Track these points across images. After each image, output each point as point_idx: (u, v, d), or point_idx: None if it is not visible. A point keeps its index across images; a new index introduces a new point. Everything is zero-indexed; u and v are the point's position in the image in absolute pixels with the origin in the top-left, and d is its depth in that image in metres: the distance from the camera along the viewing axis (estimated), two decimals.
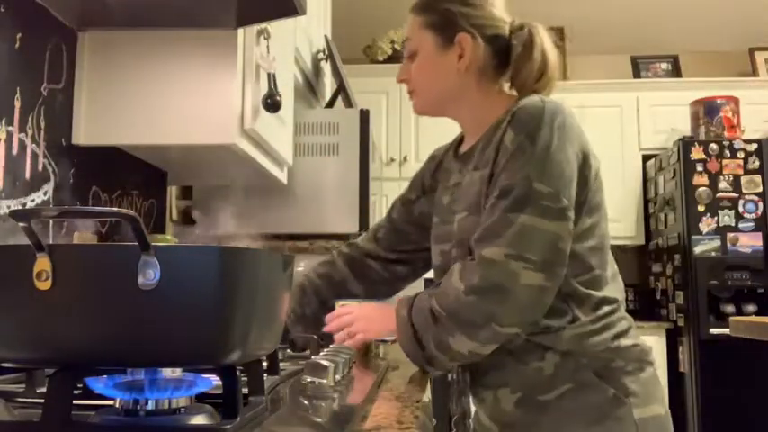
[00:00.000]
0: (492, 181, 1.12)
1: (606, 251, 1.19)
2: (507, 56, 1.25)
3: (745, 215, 3.76)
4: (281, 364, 1.05)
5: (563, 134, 1.10)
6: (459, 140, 1.39)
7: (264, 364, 0.95)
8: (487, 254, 1.05)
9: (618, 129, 4.29)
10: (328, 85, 2.86)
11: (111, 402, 0.69)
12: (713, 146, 3.82)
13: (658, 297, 4.16)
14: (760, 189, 3.78)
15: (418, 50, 1.29)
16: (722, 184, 3.80)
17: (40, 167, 1.39)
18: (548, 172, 1.07)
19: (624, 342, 1.14)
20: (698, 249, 3.74)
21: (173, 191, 2.21)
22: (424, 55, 1.28)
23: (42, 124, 1.40)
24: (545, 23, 1.28)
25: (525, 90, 1.23)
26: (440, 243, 1.28)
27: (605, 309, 1.14)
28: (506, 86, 1.28)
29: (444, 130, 4.37)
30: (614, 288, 1.19)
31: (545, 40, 1.24)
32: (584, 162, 1.14)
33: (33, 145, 1.37)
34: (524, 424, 1.14)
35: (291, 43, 2.11)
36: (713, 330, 3.64)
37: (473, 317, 1.05)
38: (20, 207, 1.30)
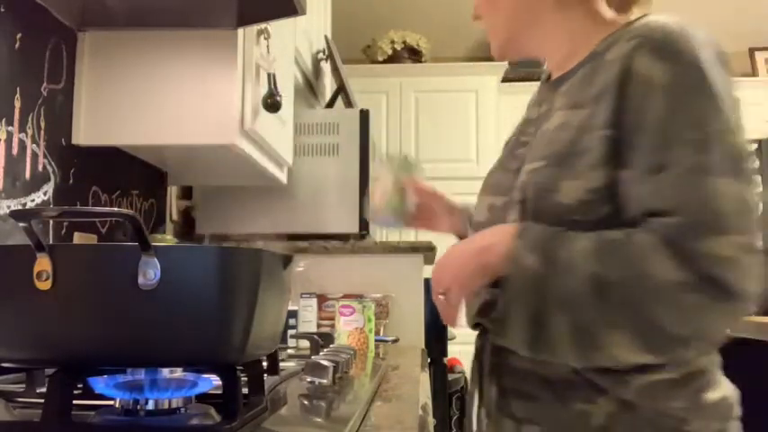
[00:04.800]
0: (639, 129, 0.79)
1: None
2: None
3: None
4: (281, 364, 1.05)
5: (725, 68, 0.82)
6: (548, 77, 1.05)
7: (264, 364, 0.95)
8: (717, 248, 0.73)
9: None
10: (328, 85, 2.86)
11: (111, 402, 0.69)
12: None
13: None
14: (760, 189, 3.78)
15: None
16: None
17: (40, 167, 1.39)
18: (737, 119, 0.81)
19: (710, 397, 0.83)
20: None
21: (173, 191, 2.21)
22: None
23: (42, 124, 1.40)
24: None
25: (624, 5, 0.94)
26: (490, 194, 0.99)
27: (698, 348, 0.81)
28: (601, 5, 0.95)
29: (444, 131, 4.35)
30: None
31: None
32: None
33: (33, 145, 1.37)
34: None
35: (291, 43, 2.11)
36: None
37: (680, 323, 0.74)
38: (20, 207, 1.30)
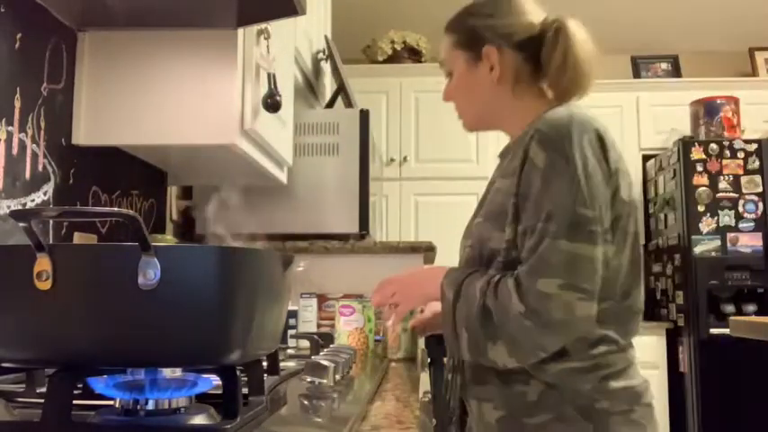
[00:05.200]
0: (526, 199, 1.08)
1: (618, 283, 1.11)
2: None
3: (746, 215, 3.76)
4: (281, 364, 1.05)
5: (595, 152, 1.08)
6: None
7: (264, 364, 0.95)
8: (542, 287, 1.01)
9: (618, 129, 4.28)
10: (328, 85, 2.86)
11: (111, 402, 0.69)
12: (713, 146, 3.82)
13: (658, 297, 4.16)
14: (760, 189, 3.78)
15: (453, 70, 1.30)
16: (722, 184, 3.79)
17: (40, 167, 1.39)
18: (589, 194, 1.04)
19: (614, 384, 1.08)
20: (698, 249, 3.74)
21: (173, 191, 2.21)
22: (458, 74, 1.28)
23: (42, 124, 1.40)
24: None
25: (559, 90, 1.21)
26: (464, 237, 1.26)
27: (602, 348, 1.09)
28: (547, 89, 1.24)
29: (445, 131, 4.35)
30: (623, 326, 1.12)
31: (575, 34, 1.19)
32: (612, 181, 1.10)
33: (33, 145, 1.37)
34: None
35: (291, 43, 2.11)
36: (713, 330, 3.64)
37: (525, 341, 1.03)
38: (20, 207, 1.30)
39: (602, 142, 1.09)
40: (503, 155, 1.26)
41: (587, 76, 1.20)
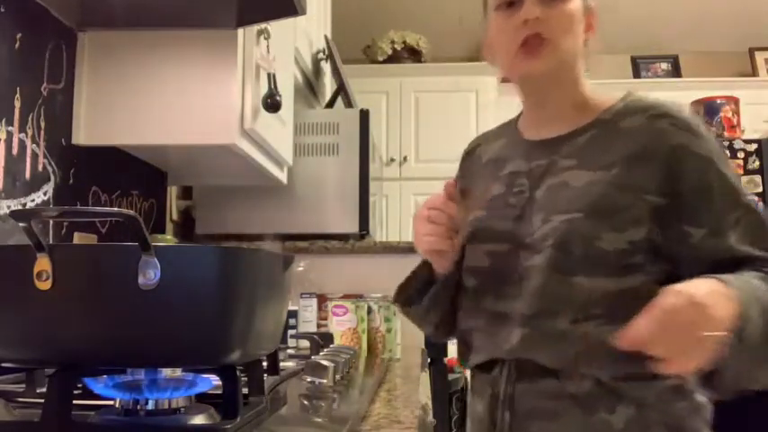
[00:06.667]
0: (699, 193, 0.95)
1: None
2: None
3: None
4: (281, 364, 1.05)
5: None
6: (513, 123, 1.16)
7: (264, 364, 0.95)
8: None
9: None
10: (328, 85, 2.86)
11: (111, 402, 0.69)
12: None
13: None
14: (760, 189, 3.77)
15: None
16: None
17: (40, 167, 1.39)
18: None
19: (700, 398, 0.96)
20: None
21: (173, 191, 2.21)
22: (576, 6, 1.02)
23: (42, 124, 1.40)
24: None
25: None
26: (489, 242, 1.04)
27: None
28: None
29: (444, 131, 4.35)
30: None
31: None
32: None
33: (33, 145, 1.37)
34: None
35: (291, 43, 2.11)
36: None
37: None
38: (20, 207, 1.30)
39: None
40: (558, 141, 1.05)
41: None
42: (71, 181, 1.51)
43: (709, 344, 0.78)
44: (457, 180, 1.17)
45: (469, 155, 1.21)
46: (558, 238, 0.95)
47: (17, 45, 1.31)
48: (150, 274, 0.62)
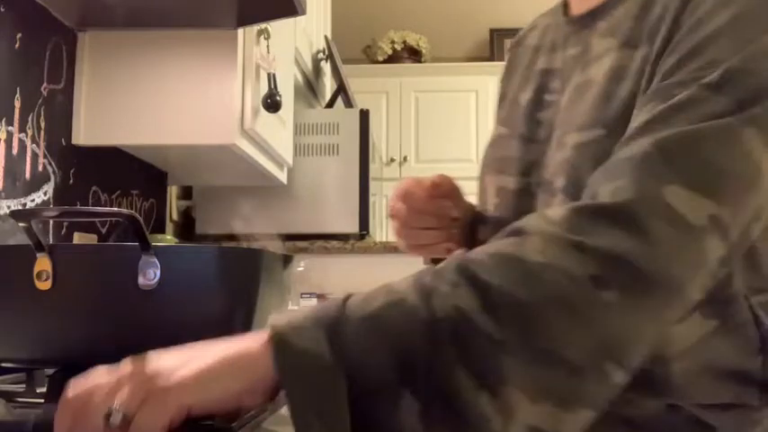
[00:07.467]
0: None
1: None
2: None
3: None
4: None
5: None
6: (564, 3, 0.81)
7: None
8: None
9: None
10: (328, 85, 2.86)
11: None
12: None
13: None
14: None
15: None
16: None
17: (40, 167, 1.39)
18: None
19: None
20: None
21: (173, 191, 2.21)
22: None
23: (42, 124, 1.40)
24: None
25: None
26: (499, 173, 0.79)
27: None
28: None
29: (444, 131, 4.34)
30: None
31: None
32: None
33: (33, 145, 1.37)
34: None
35: (291, 43, 2.11)
36: None
37: None
38: (20, 207, 1.30)
39: None
40: (584, 19, 0.73)
41: None
42: (71, 181, 1.51)
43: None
44: (501, 82, 0.90)
45: (517, 45, 0.89)
46: (568, 176, 0.65)
47: (17, 45, 1.31)
48: (150, 274, 0.62)
